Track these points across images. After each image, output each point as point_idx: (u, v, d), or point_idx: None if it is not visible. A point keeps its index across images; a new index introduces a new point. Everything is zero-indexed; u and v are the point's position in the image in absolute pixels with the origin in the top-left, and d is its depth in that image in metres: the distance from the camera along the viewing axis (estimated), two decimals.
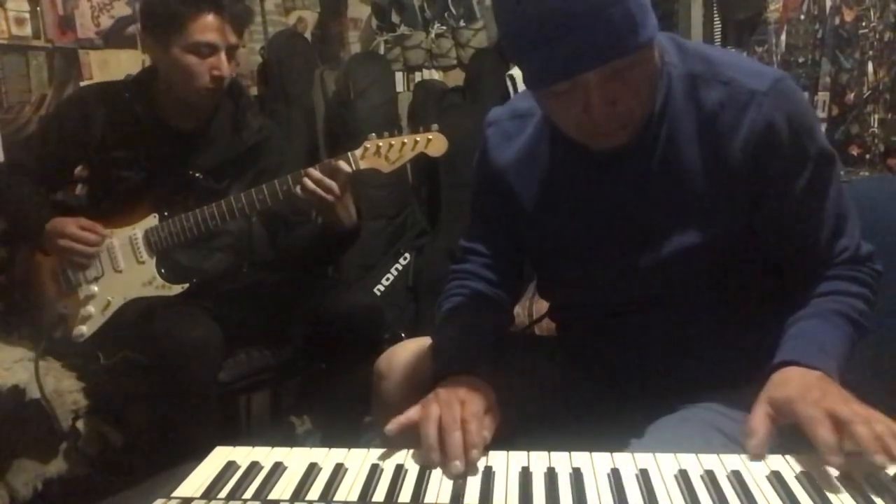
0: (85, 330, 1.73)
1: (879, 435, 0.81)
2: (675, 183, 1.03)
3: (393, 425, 0.94)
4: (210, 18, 1.64)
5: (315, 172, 1.58)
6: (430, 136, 1.59)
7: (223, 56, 1.68)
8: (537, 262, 1.23)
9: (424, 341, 1.19)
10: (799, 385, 0.90)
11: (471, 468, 0.88)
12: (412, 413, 0.96)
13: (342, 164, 1.58)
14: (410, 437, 0.94)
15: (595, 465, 0.87)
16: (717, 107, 1.00)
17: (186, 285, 1.75)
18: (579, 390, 1.18)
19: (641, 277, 1.06)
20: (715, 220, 1.02)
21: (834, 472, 0.83)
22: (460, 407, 0.93)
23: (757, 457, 0.87)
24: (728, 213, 1.02)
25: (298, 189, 1.60)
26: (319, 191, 1.57)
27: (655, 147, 1.03)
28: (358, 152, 1.59)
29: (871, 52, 2.15)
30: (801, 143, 1.00)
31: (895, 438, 0.81)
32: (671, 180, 1.03)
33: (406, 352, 1.21)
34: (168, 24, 1.66)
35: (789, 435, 0.89)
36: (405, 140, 1.59)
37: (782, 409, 0.89)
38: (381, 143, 1.58)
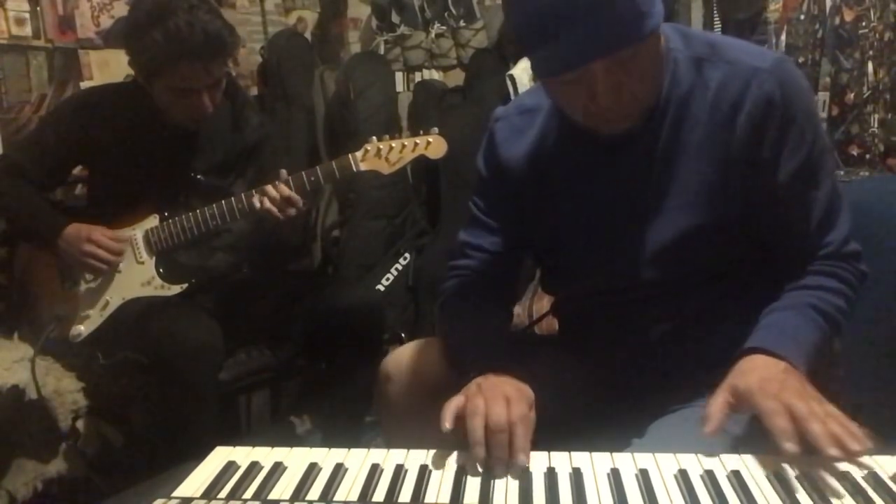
0: (82, 329, 1.73)
1: (834, 434, 0.82)
2: (682, 164, 1.03)
3: (448, 421, 0.90)
4: (188, 67, 1.59)
5: (282, 188, 1.61)
6: (430, 139, 1.61)
7: (204, 96, 1.66)
8: (544, 253, 1.23)
9: (430, 343, 1.19)
10: (761, 375, 0.90)
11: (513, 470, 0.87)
12: (458, 401, 0.93)
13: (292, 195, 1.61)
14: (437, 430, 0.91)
15: (595, 465, 0.87)
16: (721, 85, 1.01)
17: (185, 285, 1.75)
18: (579, 390, 1.17)
19: (646, 261, 1.06)
20: (719, 201, 1.02)
21: (833, 473, 0.83)
22: (506, 405, 0.91)
23: (710, 436, 0.87)
24: (732, 194, 1.02)
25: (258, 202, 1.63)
26: (274, 209, 1.62)
27: (662, 130, 1.04)
28: (359, 154, 1.61)
29: (871, 52, 2.15)
30: (797, 123, 1.00)
31: (850, 437, 0.82)
32: (678, 162, 1.04)
33: (412, 354, 1.20)
34: (148, 66, 1.63)
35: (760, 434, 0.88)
36: (405, 142, 1.62)
37: (742, 399, 0.89)
38: (381, 146, 1.61)
